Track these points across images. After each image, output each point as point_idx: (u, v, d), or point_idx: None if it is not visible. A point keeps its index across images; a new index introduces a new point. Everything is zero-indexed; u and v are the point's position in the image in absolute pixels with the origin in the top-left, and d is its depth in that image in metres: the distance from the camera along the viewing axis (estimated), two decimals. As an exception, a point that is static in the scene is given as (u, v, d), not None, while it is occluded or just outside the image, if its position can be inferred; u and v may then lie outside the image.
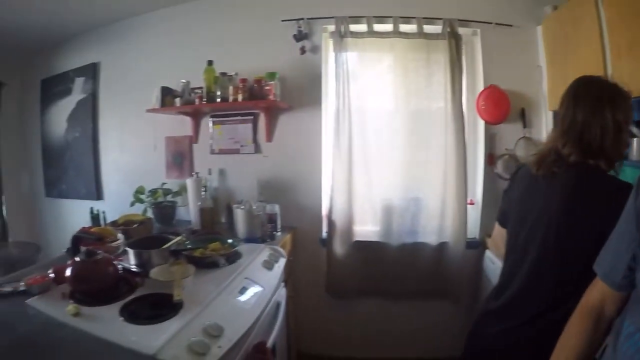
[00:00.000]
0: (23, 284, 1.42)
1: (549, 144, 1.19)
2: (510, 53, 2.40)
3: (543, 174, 1.15)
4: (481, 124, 2.43)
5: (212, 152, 2.64)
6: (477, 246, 2.39)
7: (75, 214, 3.32)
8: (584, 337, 0.85)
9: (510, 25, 2.41)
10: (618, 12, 1.63)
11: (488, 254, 2.27)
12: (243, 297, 1.48)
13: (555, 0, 2.42)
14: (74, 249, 1.50)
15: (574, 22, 1.98)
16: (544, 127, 2.37)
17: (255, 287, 1.59)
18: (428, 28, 2.37)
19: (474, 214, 2.45)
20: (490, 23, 2.40)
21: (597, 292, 0.85)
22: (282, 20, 2.47)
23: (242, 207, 2.20)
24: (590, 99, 1.10)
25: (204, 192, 2.38)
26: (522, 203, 1.22)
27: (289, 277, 2.29)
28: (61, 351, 1.07)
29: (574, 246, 1.04)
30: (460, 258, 2.34)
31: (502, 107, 2.32)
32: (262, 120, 2.52)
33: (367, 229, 2.45)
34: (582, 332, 0.86)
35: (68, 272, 1.36)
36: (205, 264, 1.64)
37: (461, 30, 2.38)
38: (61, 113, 3.32)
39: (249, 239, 2.10)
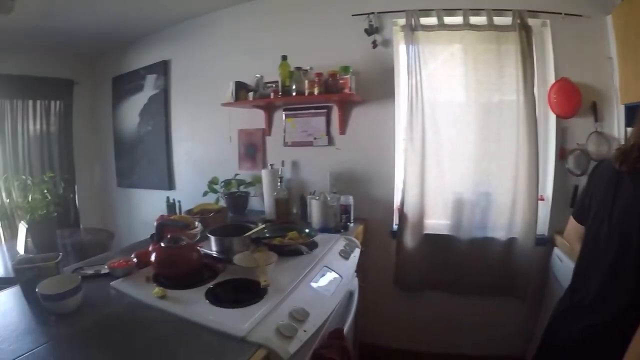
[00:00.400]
0: (106, 267, 1.51)
1: (632, 139, 1.17)
2: (580, 44, 2.35)
3: (627, 170, 1.14)
4: (552, 117, 2.39)
5: (285, 144, 2.74)
6: (546, 243, 2.37)
7: (146, 203, 3.53)
8: None
9: (580, 15, 2.36)
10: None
11: (556, 251, 2.24)
12: (323, 285, 1.52)
13: (631, -12, 2.35)
14: (158, 235, 1.55)
15: (646, 11, 1.93)
16: (616, 121, 2.31)
17: (334, 275, 1.64)
18: (498, 20, 2.36)
19: (543, 210, 2.41)
20: (560, 13, 2.36)
21: None
22: (353, 15, 2.53)
23: (317, 198, 2.28)
24: None
25: (279, 183, 2.48)
26: (604, 199, 1.21)
27: (360, 268, 2.37)
28: (149, 330, 1.10)
29: None
30: (529, 254, 2.33)
31: (573, 100, 2.28)
32: (335, 113, 2.60)
33: (437, 222, 2.48)
34: None
35: (153, 257, 1.43)
36: (285, 252, 1.71)
37: (530, 22, 2.36)
38: (133, 108, 3.52)
39: (323, 229, 2.17)
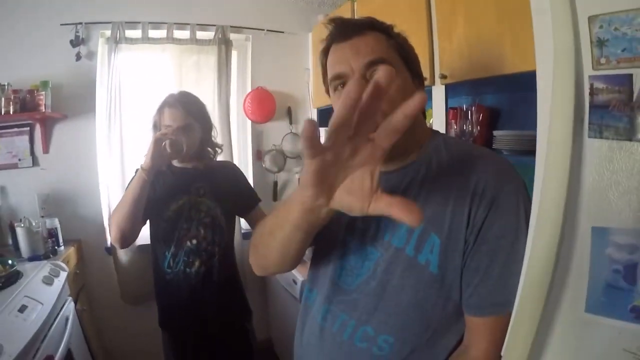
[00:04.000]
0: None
1: None
2: (280, 57, 2.62)
3: None
4: (249, 123, 2.62)
5: (-8, 167, 2.48)
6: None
7: None
8: None
9: (282, 32, 2.61)
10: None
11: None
12: (23, 315, 1.55)
13: (328, 9, 2.68)
14: None
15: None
16: (310, 123, 2.65)
17: (35, 304, 1.66)
18: (201, 34, 2.49)
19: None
20: (262, 30, 2.58)
21: None
22: (61, 25, 2.39)
23: (22, 225, 2.14)
24: None
25: (-21, 214, 2.26)
26: None
27: (80, 291, 2.31)
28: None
29: None
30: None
31: (266, 106, 2.54)
32: (38, 131, 2.42)
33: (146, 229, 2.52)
34: None
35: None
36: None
37: (234, 37, 2.53)
38: None
39: (32, 257, 2.09)
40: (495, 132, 1.55)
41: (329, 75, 0.80)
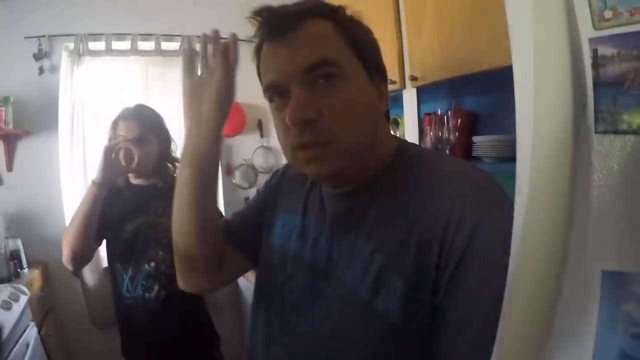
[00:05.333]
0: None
1: None
2: (249, 67, 2.44)
3: None
4: None
5: (-44, 188, 2.39)
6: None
7: None
8: None
9: (250, 41, 2.48)
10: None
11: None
12: None
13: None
14: None
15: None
16: (282, 134, 2.51)
17: None
18: (167, 45, 2.39)
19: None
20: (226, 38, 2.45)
21: None
22: (25, 38, 2.30)
23: None
24: None
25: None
26: None
27: (47, 315, 2.21)
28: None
29: None
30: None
31: (235, 119, 2.42)
32: (1, 148, 2.32)
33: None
34: None
35: None
36: None
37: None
38: None
39: None
40: (474, 138, 1.42)
41: (262, 83, 0.65)
